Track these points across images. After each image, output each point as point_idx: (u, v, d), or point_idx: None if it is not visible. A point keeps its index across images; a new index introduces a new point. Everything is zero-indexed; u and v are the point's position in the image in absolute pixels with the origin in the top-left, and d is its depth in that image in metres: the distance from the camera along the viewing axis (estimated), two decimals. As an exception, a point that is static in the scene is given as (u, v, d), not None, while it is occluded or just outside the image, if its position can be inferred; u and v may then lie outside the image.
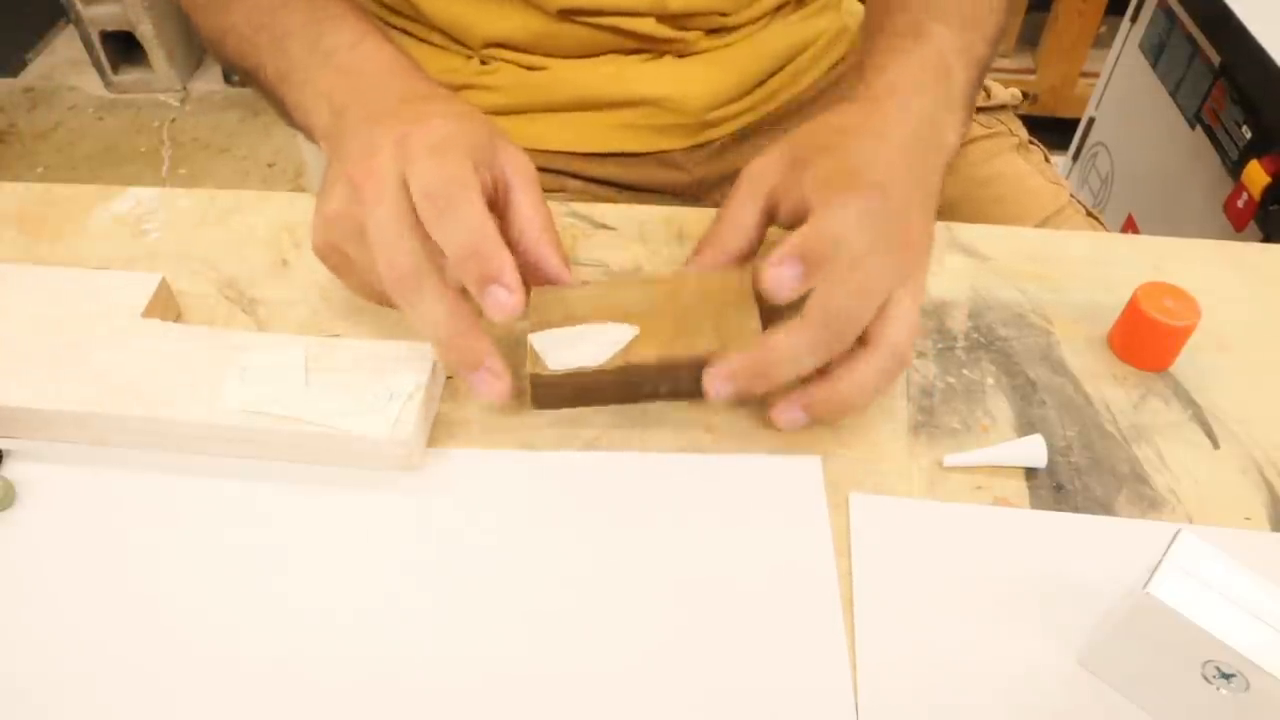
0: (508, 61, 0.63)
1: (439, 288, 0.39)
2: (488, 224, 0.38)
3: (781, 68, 0.67)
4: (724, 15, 0.63)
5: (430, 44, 0.64)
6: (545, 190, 0.44)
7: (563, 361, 0.38)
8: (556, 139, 0.65)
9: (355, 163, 0.40)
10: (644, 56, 0.63)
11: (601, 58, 0.63)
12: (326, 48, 0.47)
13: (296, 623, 0.37)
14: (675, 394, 0.42)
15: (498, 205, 0.42)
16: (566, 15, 0.60)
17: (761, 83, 0.67)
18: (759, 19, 0.66)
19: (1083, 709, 0.36)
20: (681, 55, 0.64)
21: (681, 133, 0.65)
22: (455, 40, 0.63)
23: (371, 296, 0.44)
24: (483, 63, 0.63)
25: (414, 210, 0.39)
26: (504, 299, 0.38)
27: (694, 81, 0.63)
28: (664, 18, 0.61)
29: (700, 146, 0.67)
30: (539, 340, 0.40)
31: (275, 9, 0.50)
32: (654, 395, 0.42)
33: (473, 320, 0.40)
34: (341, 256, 0.43)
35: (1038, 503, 0.42)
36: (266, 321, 0.49)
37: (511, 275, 0.38)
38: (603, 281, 0.42)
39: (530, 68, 0.63)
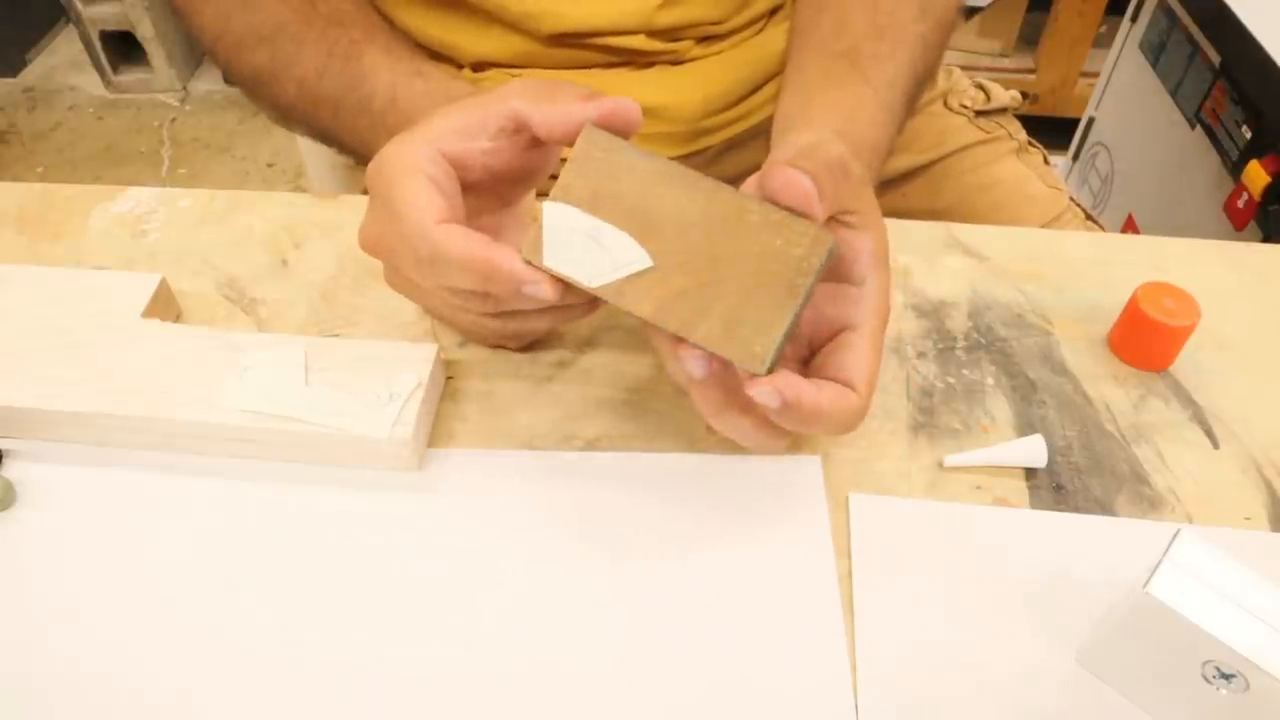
0: (500, 70, 0.63)
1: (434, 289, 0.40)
2: (463, 242, 0.37)
3: (775, 74, 0.66)
4: (716, 24, 0.62)
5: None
6: (540, 194, 0.43)
7: (557, 261, 0.37)
8: None
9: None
10: (635, 67, 0.63)
11: (592, 70, 0.62)
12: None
13: (296, 622, 0.37)
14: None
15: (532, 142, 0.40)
16: (557, 40, 0.59)
17: (756, 89, 0.66)
18: (752, 24, 0.65)
19: (1082, 709, 0.36)
20: (674, 64, 0.63)
21: (675, 140, 0.65)
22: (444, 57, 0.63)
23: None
24: (475, 70, 0.63)
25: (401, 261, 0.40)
26: (538, 292, 0.37)
27: (686, 90, 0.63)
28: (654, 33, 0.60)
29: (694, 154, 0.66)
30: (551, 214, 0.37)
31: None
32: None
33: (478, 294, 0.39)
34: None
35: (1038, 503, 0.42)
36: (266, 321, 0.49)
37: (522, 271, 0.37)
38: (658, 168, 0.37)
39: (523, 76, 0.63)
